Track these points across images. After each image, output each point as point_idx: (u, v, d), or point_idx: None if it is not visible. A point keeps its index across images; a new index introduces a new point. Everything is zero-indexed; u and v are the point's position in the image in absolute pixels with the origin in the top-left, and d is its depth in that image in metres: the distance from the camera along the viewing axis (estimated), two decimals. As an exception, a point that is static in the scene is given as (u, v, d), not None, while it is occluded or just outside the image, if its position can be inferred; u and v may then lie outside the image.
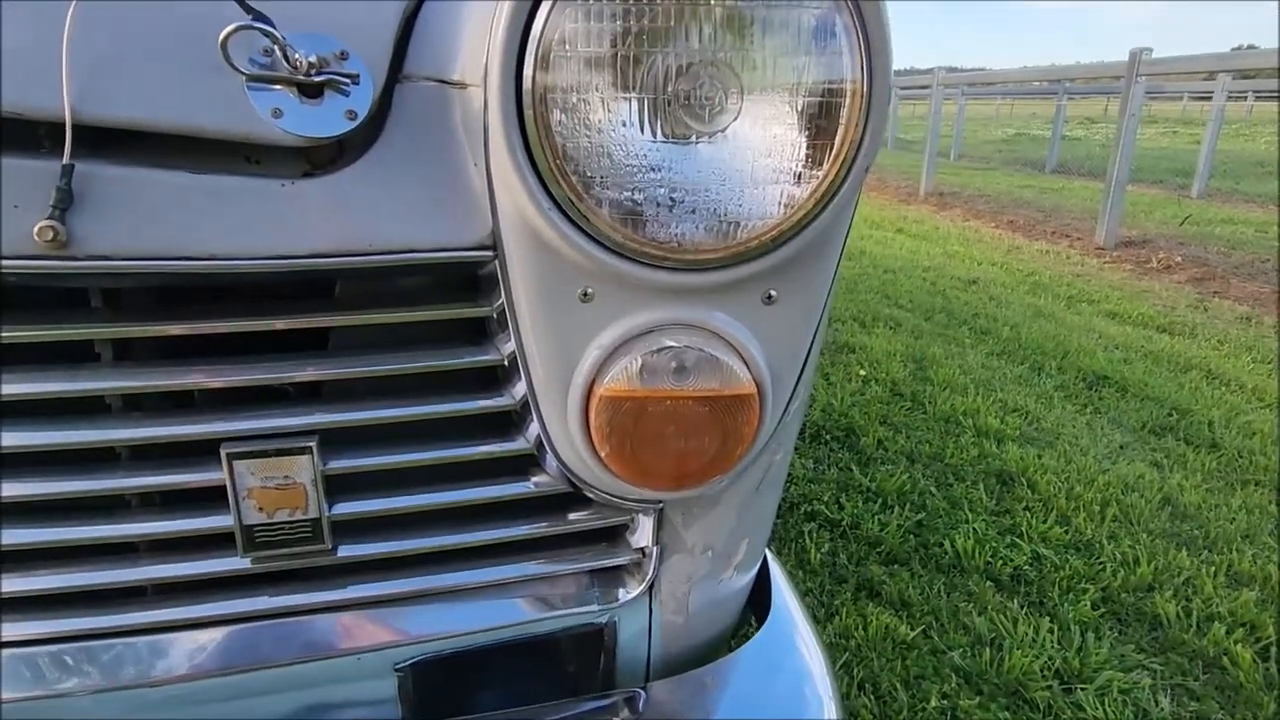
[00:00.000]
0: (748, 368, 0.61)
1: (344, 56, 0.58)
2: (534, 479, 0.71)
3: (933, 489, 1.96)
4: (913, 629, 1.41)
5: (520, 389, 0.65)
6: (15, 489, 0.60)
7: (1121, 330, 3.87)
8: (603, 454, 0.62)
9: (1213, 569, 1.66)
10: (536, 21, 0.50)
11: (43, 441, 0.59)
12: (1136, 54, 6.32)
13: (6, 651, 0.65)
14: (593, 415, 0.61)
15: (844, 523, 1.77)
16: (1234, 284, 5.31)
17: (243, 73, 0.54)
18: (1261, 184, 10.38)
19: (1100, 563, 1.66)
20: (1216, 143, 9.30)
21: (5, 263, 0.51)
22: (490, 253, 0.60)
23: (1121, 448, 2.34)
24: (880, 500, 1.89)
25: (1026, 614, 1.47)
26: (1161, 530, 1.83)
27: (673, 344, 0.60)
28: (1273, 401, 2.88)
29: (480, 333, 0.66)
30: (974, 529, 1.76)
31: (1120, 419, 2.58)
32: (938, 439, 2.27)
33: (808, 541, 1.68)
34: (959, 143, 13.96)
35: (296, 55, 0.55)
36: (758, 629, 0.84)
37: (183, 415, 0.61)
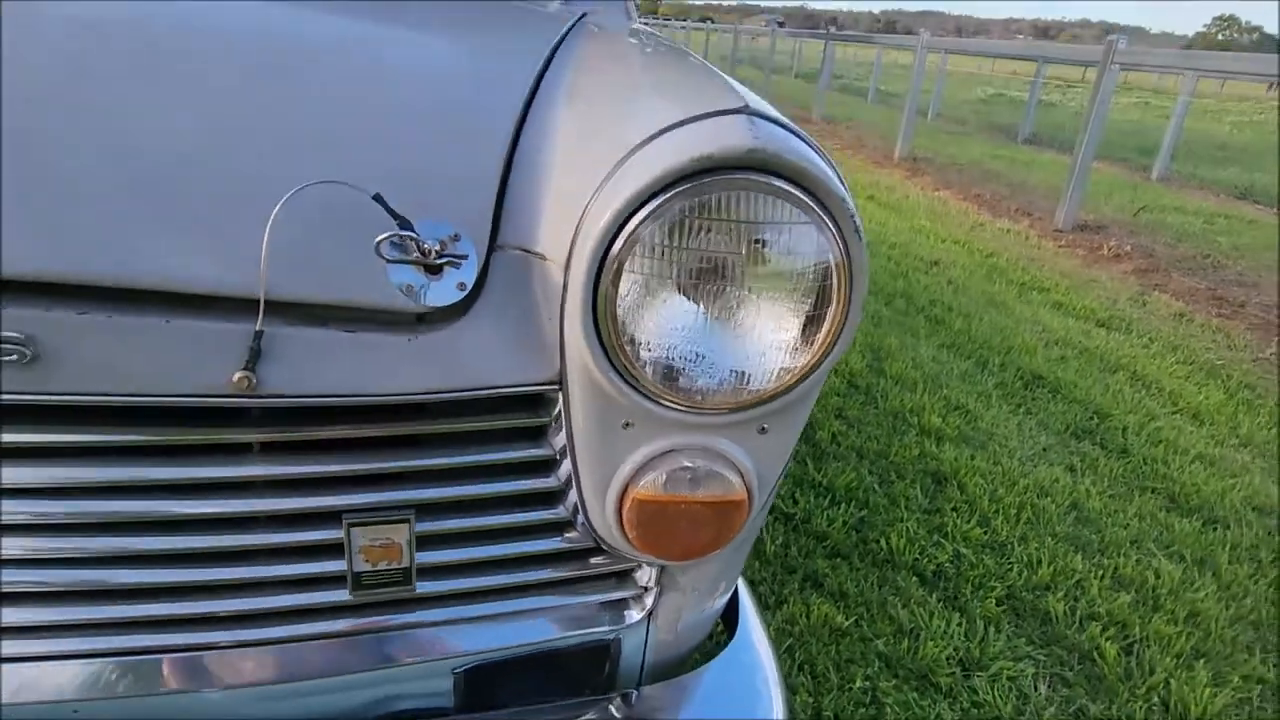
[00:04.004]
0: (743, 479, 0.82)
1: (456, 238, 0.75)
2: (566, 535, 0.92)
3: (876, 486, 2.23)
4: (847, 618, 1.68)
5: (565, 470, 0.85)
6: (190, 542, 0.79)
7: (1064, 323, 4.15)
8: (631, 536, 0.83)
9: (1101, 572, 1.96)
10: (618, 243, 0.69)
11: (211, 511, 0.78)
12: (1111, 43, 6.49)
13: (159, 656, 0.84)
14: (625, 510, 0.82)
15: (797, 517, 2.03)
16: (1174, 278, 5.63)
17: (386, 259, 0.71)
18: (1218, 169, 10.73)
19: (1009, 563, 1.95)
20: (1181, 132, 9.59)
21: (210, 400, 0.70)
22: (556, 386, 0.79)
23: (1044, 450, 2.64)
24: (830, 496, 2.15)
25: (942, 608, 1.76)
26: (1065, 534, 2.13)
27: (689, 463, 0.80)
28: (1185, 408, 3.21)
29: (541, 433, 0.86)
30: (907, 527, 2.03)
31: (1048, 421, 2.87)
32: (885, 436, 2.54)
33: (764, 534, 1.93)
34: (938, 100, 14.02)
35: (425, 244, 0.72)
36: (727, 637, 1.08)
37: (317, 490, 0.80)
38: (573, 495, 0.86)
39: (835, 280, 0.73)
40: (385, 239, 0.70)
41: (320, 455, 0.79)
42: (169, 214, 0.70)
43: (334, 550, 0.83)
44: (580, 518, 0.88)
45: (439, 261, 0.74)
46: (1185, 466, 2.60)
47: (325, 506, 0.80)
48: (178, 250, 0.68)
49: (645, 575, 0.97)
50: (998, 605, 1.79)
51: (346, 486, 0.82)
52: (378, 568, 0.84)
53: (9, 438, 0.69)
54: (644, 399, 0.76)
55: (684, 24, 27.44)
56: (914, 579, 1.84)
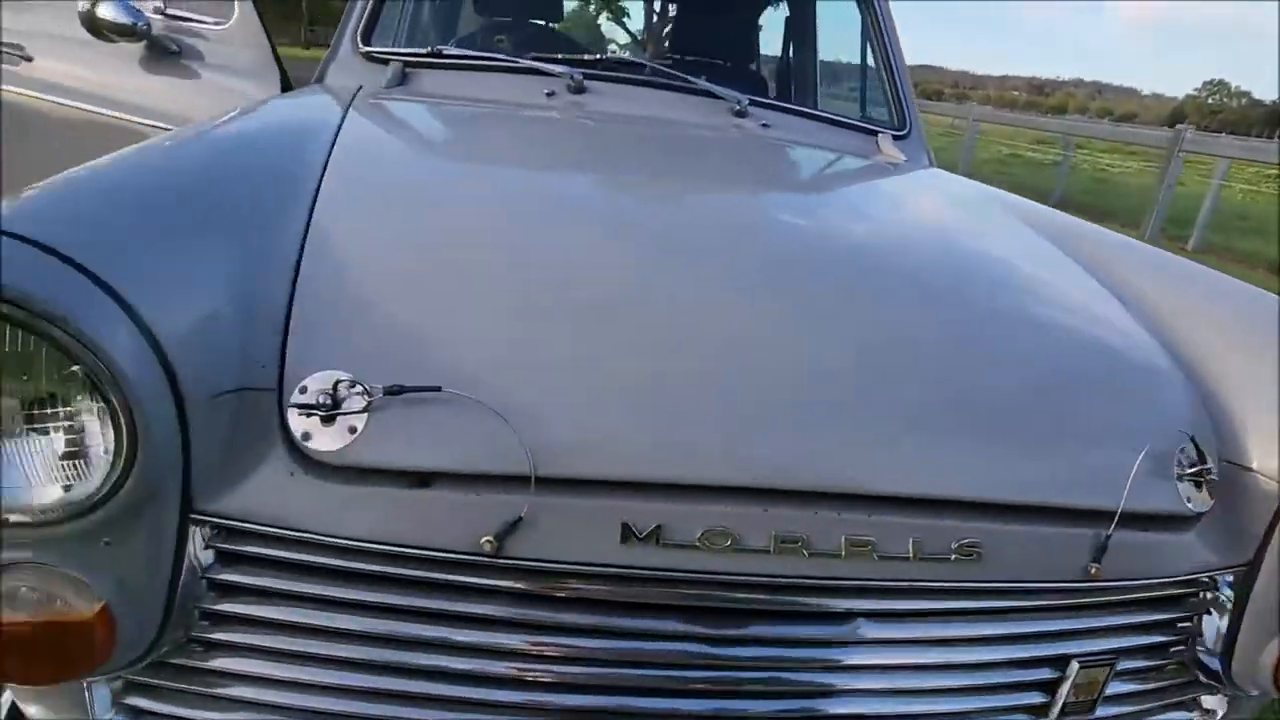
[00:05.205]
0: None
1: (1203, 459, 1.00)
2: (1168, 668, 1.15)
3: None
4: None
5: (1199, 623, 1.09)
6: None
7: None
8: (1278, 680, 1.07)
9: None
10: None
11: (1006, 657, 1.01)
12: (1180, 133, 6.90)
13: None
14: (1280, 662, 1.06)
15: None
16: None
17: (1177, 480, 0.96)
18: (1246, 240, 11.16)
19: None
20: (1216, 204, 10.05)
21: (1059, 584, 0.93)
22: (1246, 567, 1.03)
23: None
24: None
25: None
26: None
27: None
28: None
29: (1195, 595, 1.10)
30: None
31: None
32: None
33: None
34: (969, 153, 14.59)
35: (1199, 468, 0.97)
36: None
37: (1056, 641, 1.04)
38: (1201, 643, 1.10)
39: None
40: (1191, 472, 0.95)
41: (1072, 614, 1.03)
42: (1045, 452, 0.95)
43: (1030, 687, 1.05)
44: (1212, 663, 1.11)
45: (1200, 480, 0.98)
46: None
47: (1061, 653, 1.04)
48: (1056, 478, 0.94)
49: (1217, 701, 1.20)
50: None
51: (1078, 636, 1.05)
52: (1078, 699, 1.07)
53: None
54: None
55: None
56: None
